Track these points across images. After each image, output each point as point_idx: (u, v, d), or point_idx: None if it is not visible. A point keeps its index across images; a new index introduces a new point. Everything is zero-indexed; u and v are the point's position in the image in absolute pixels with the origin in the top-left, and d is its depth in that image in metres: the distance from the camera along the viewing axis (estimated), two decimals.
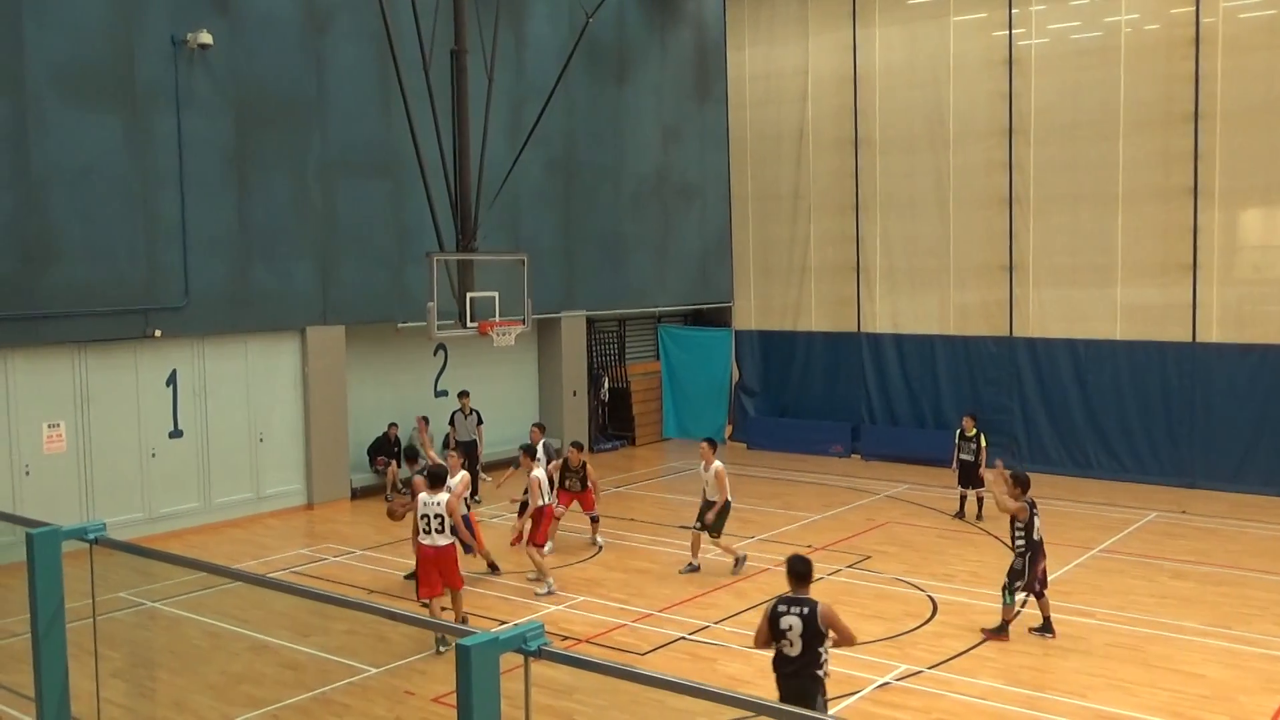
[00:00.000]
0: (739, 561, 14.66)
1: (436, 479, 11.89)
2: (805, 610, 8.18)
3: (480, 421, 19.56)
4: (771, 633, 8.28)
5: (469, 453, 18.48)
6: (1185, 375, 19.68)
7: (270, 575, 13.75)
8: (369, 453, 19.77)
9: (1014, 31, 21.10)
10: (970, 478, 17.18)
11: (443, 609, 11.85)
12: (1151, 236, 19.86)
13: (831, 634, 8.23)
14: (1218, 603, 13.08)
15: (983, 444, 17.18)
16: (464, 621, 11.65)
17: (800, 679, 8.19)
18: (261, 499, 18.26)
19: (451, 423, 19.51)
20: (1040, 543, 11.84)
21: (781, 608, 8.28)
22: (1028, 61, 21.01)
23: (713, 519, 14.51)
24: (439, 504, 11.68)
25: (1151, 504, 18.34)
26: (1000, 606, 11.86)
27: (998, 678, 10.77)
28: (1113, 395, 20.45)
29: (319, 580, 14.41)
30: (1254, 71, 18.73)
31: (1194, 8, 19.15)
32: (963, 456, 17.28)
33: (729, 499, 14.68)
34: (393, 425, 19.76)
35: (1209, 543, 15.93)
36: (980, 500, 17.11)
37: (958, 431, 17.54)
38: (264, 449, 18.27)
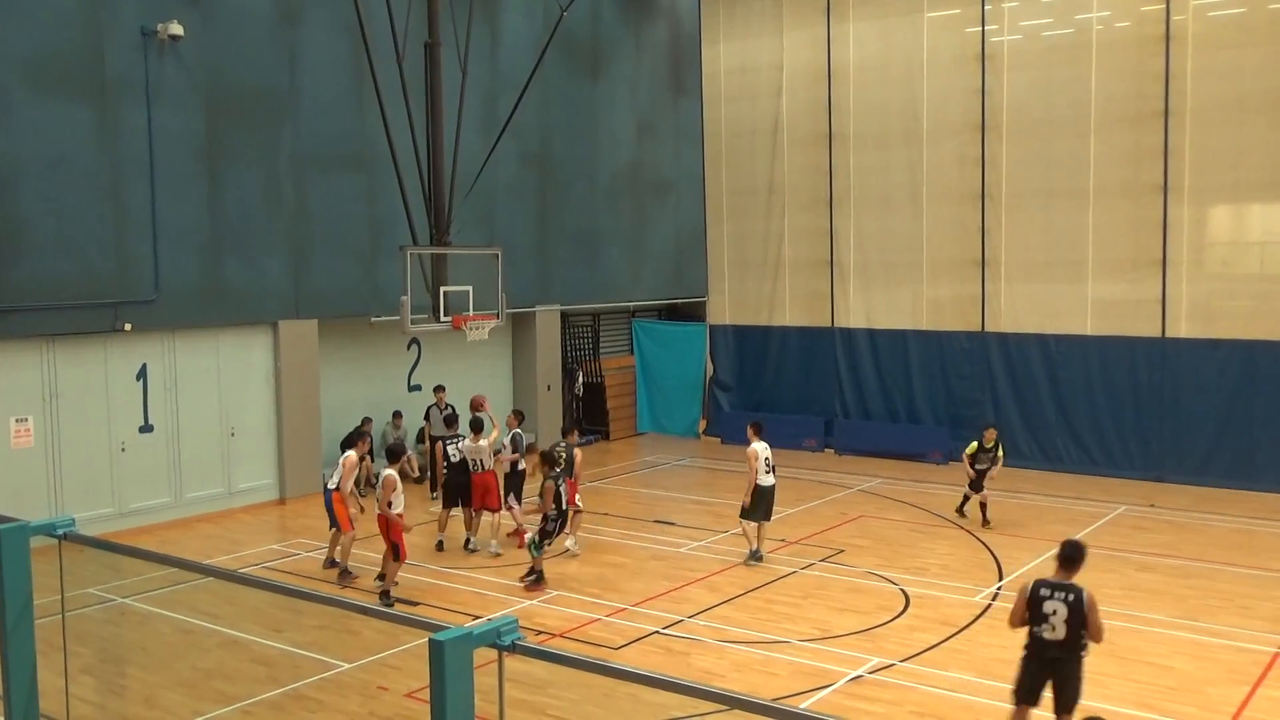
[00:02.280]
0: (753, 555, 14.67)
1: (476, 427, 15.63)
2: (1071, 596, 8.27)
3: (455, 416, 19.38)
4: (1031, 615, 8.34)
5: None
6: (1154, 370, 19.88)
7: (242, 570, 13.69)
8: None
9: (987, 28, 21.22)
10: (981, 483, 16.90)
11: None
12: (1122, 232, 20.03)
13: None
14: (1185, 595, 13.23)
15: (1000, 455, 16.84)
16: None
17: (1067, 663, 8.33)
18: (233, 494, 18.15)
19: (427, 417, 19.42)
20: None
21: (1044, 591, 8.36)
22: (1000, 58, 21.13)
23: (746, 501, 14.60)
24: (479, 449, 15.24)
25: (1121, 498, 18.52)
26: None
27: (969, 670, 10.86)
28: (1083, 390, 20.62)
29: (291, 576, 14.34)
30: (1223, 69, 18.91)
31: (1164, 6, 19.31)
32: (978, 466, 16.82)
33: (755, 482, 14.52)
34: (366, 420, 19.65)
35: (1176, 536, 16.10)
36: (985, 505, 16.82)
37: (976, 443, 16.89)
38: (236, 443, 18.16)
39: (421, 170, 16.66)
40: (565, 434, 16.46)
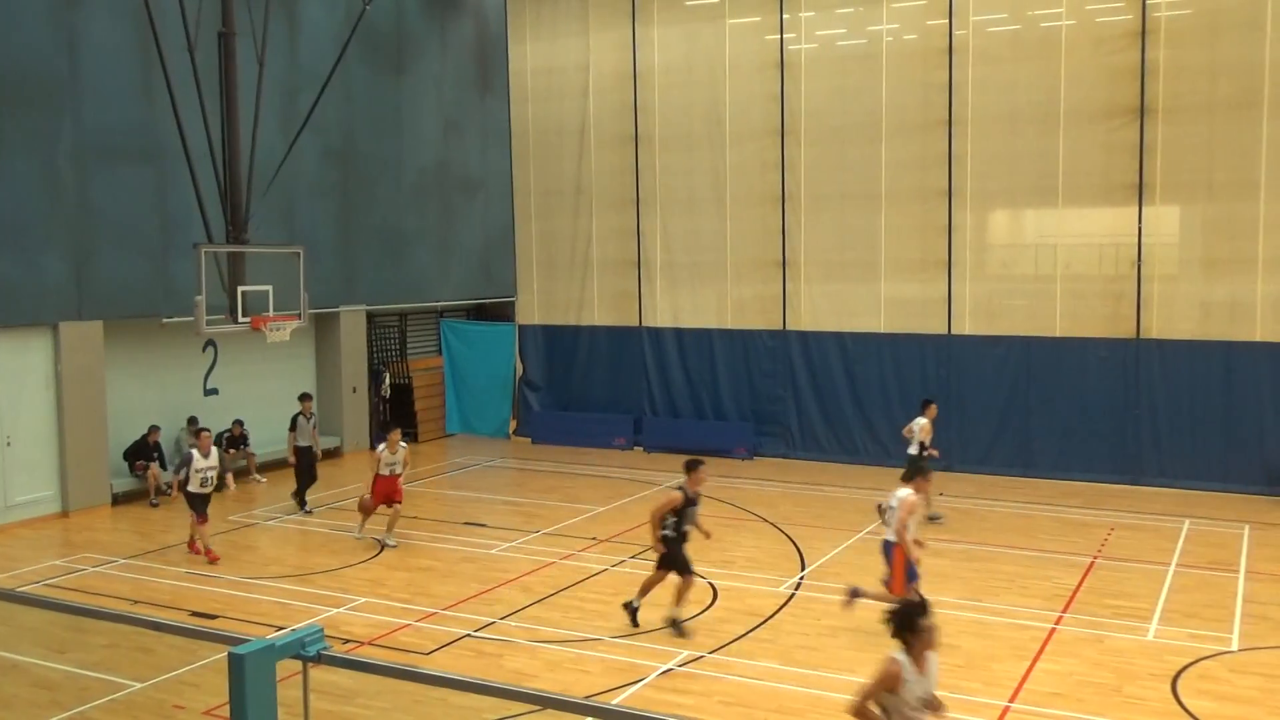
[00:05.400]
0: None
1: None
2: None
3: (316, 425, 18.51)
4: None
5: (305, 457, 17.85)
6: (942, 365, 21.00)
7: (19, 589, 12.81)
8: (126, 457, 18.66)
9: (785, 36, 21.94)
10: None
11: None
12: (911, 235, 21.07)
13: None
14: (970, 578, 14.04)
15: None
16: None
17: None
18: (10, 507, 16.93)
19: (293, 427, 17.99)
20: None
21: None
22: (798, 66, 21.88)
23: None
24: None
25: None
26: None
27: (775, 659, 11.21)
28: (878, 385, 21.59)
29: (75, 593, 13.51)
30: (999, 82, 20.14)
31: (947, 20, 20.43)
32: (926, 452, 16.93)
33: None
34: (154, 428, 18.74)
35: (961, 521, 17.05)
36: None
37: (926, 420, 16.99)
38: (11, 454, 16.94)
39: (216, 165, 15.98)
40: (387, 430, 16.54)
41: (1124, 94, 19.20)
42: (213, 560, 14.82)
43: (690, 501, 12.14)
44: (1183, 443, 19.23)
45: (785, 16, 21.88)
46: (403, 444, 16.09)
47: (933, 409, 17.25)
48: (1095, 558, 14.91)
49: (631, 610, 12.12)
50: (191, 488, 14.97)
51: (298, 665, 4.41)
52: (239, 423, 20.03)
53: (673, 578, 12.03)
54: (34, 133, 16.89)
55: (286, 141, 17.78)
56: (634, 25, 23.45)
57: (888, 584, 11.77)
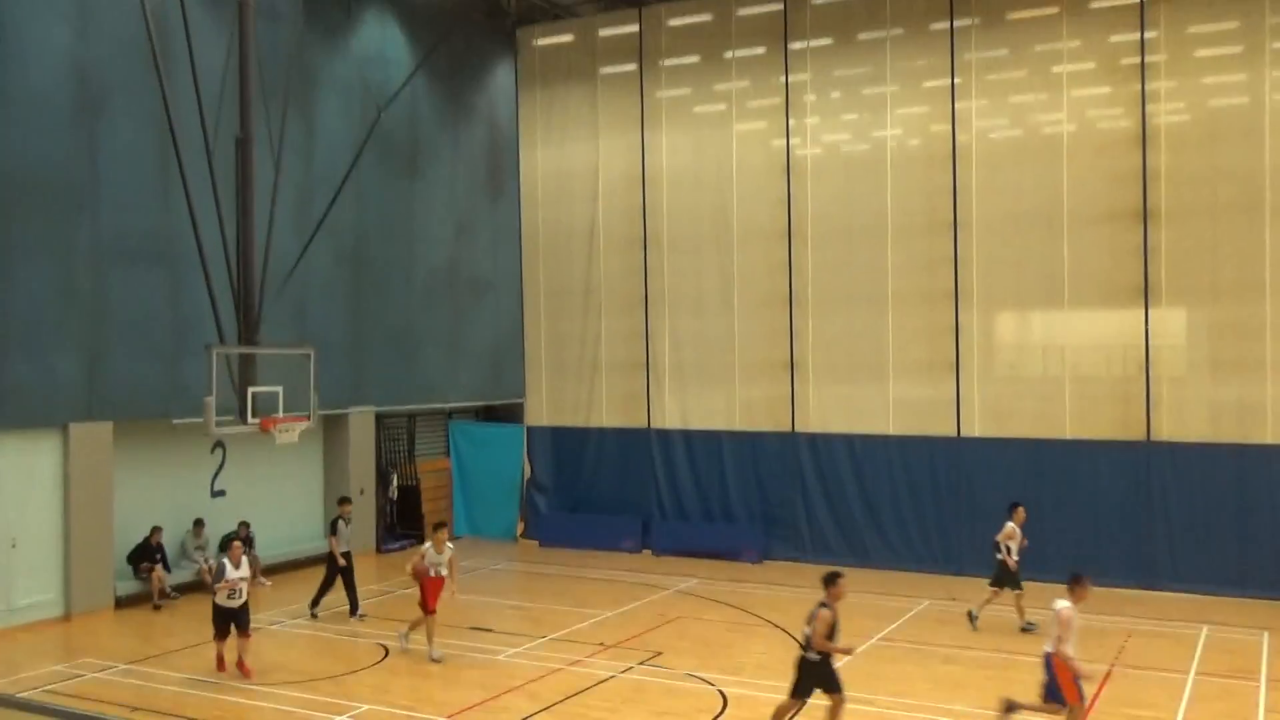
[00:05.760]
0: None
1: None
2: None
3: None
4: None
5: (350, 561, 17.41)
6: (952, 467, 20.87)
7: (19, 695, 12.60)
8: (129, 559, 18.52)
9: (791, 141, 22.33)
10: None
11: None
12: (918, 336, 21.15)
13: None
14: (984, 685, 13.73)
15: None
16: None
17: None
18: (13, 611, 16.74)
19: (334, 531, 17.53)
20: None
21: None
22: (804, 170, 22.23)
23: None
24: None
25: (924, 592, 19.20)
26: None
27: None
28: (887, 487, 21.45)
29: (76, 699, 13.28)
30: (1002, 186, 20.41)
31: (950, 126, 20.79)
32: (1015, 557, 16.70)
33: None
34: (156, 529, 18.62)
35: (976, 628, 16.72)
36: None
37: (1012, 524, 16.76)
38: (16, 555, 16.81)
39: (230, 267, 16.17)
40: (437, 529, 15.52)
41: (1126, 198, 19.43)
42: (246, 674, 14.13)
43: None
44: (1197, 546, 18.99)
45: (791, 123, 22.30)
46: (449, 544, 15.44)
47: (1020, 512, 16.90)
48: (1113, 666, 14.60)
49: None
50: (218, 600, 14.24)
51: None
52: (245, 524, 19.91)
53: (820, 700, 11.26)
54: (52, 235, 17.15)
55: (300, 243, 18.01)
56: (643, 130, 23.89)
57: (1046, 695, 11.14)
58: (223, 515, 19.84)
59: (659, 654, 15.27)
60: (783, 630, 16.52)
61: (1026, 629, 16.25)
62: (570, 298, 24.89)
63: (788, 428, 22.39)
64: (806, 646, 11.20)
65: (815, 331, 22.13)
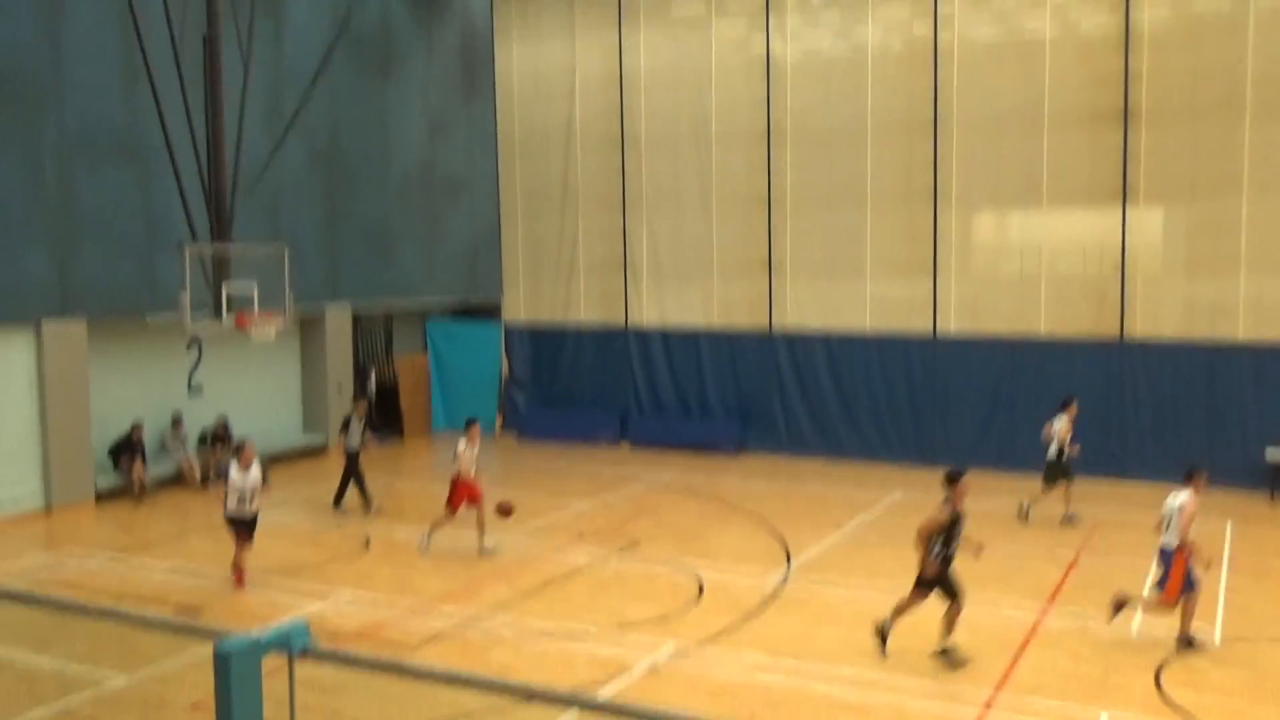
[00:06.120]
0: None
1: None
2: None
3: (368, 428, 17.99)
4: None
5: (352, 461, 17.36)
6: (927, 363, 21.09)
7: (3, 586, 12.76)
8: (110, 454, 18.60)
9: (770, 41, 21.99)
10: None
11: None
12: (897, 235, 21.15)
13: None
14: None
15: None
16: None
17: None
18: None
19: (345, 430, 17.46)
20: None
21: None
22: (784, 71, 21.95)
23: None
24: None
25: (898, 484, 19.55)
26: None
27: (762, 651, 11.25)
28: (863, 383, 21.67)
29: (60, 587, 13.46)
30: (983, 87, 20.24)
31: (933, 29, 20.50)
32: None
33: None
34: (137, 425, 18.66)
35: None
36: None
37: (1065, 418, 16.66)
38: None
39: (201, 164, 15.95)
40: (468, 426, 15.29)
41: (1107, 99, 19.31)
42: (239, 583, 13.47)
43: (957, 518, 11.12)
44: (1166, 440, 19.34)
45: (771, 21, 21.93)
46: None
47: (1073, 407, 16.88)
48: (1079, 552, 14.99)
49: (882, 635, 11.04)
50: (229, 510, 13.41)
51: (283, 659, 4.42)
52: (223, 419, 19.97)
53: (936, 601, 11.00)
54: (16, 128, 16.80)
55: (271, 142, 17.76)
56: (620, 29, 23.47)
57: (1161, 588, 11.19)
58: (200, 411, 19.88)
59: (637, 542, 15.56)
60: (757, 520, 16.84)
61: (1068, 520, 16.40)
62: (548, 197, 24.71)
63: (765, 325, 22.49)
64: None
65: (794, 231, 22.09)
